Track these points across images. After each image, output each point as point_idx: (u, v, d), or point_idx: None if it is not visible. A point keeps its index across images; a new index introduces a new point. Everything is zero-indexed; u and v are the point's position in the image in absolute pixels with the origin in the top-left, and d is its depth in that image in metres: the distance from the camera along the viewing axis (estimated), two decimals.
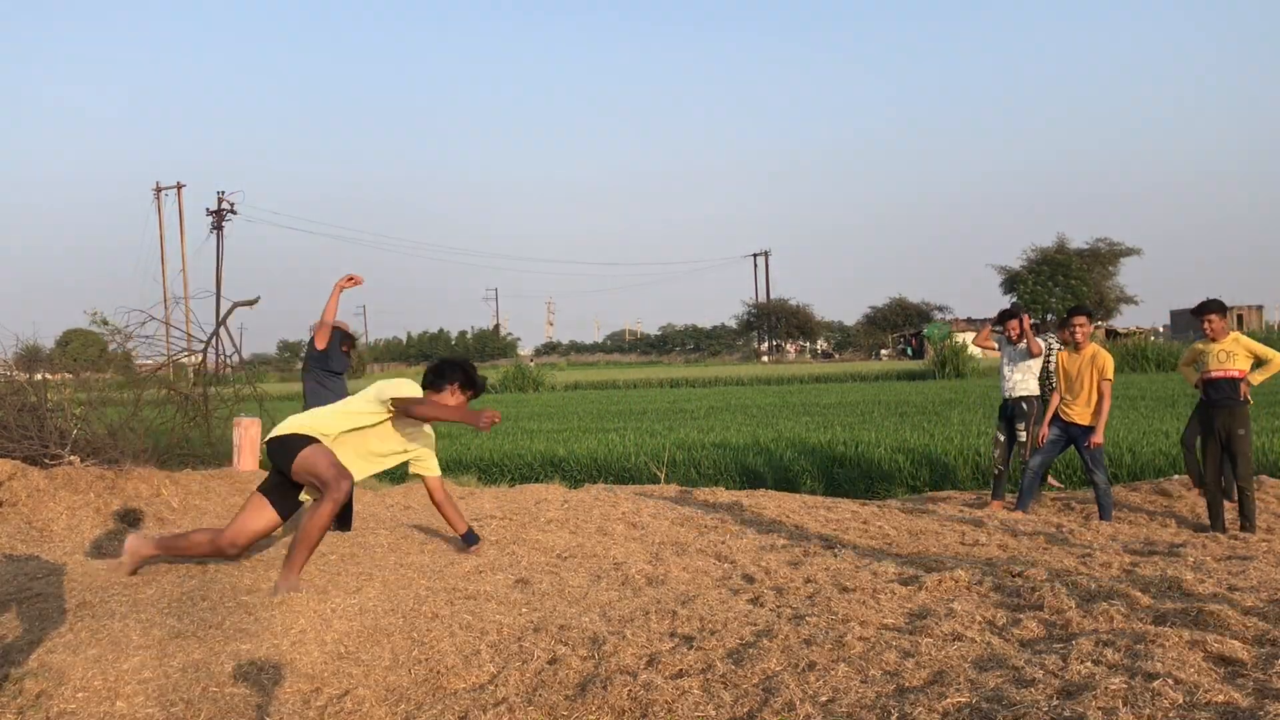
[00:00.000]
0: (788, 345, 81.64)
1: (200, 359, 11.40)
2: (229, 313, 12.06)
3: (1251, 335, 36.26)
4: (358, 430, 4.78)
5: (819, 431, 14.11)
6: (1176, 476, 8.70)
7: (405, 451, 5.02)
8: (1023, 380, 7.99)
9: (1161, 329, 63.32)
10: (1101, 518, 6.99)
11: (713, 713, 3.01)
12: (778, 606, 4.30)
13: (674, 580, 4.95)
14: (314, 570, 5.10)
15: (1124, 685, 2.87)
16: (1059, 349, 7.87)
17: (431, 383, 5.07)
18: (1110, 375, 7.10)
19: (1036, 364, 8.04)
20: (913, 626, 3.80)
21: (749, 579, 4.93)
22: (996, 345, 8.47)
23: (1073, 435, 7.22)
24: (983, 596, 4.33)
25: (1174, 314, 63.35)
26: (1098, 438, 7.03)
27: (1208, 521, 6.73)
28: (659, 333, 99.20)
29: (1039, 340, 8.11)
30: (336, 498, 4.47)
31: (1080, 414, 7.14)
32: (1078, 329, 7.21)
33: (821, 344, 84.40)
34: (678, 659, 3.51)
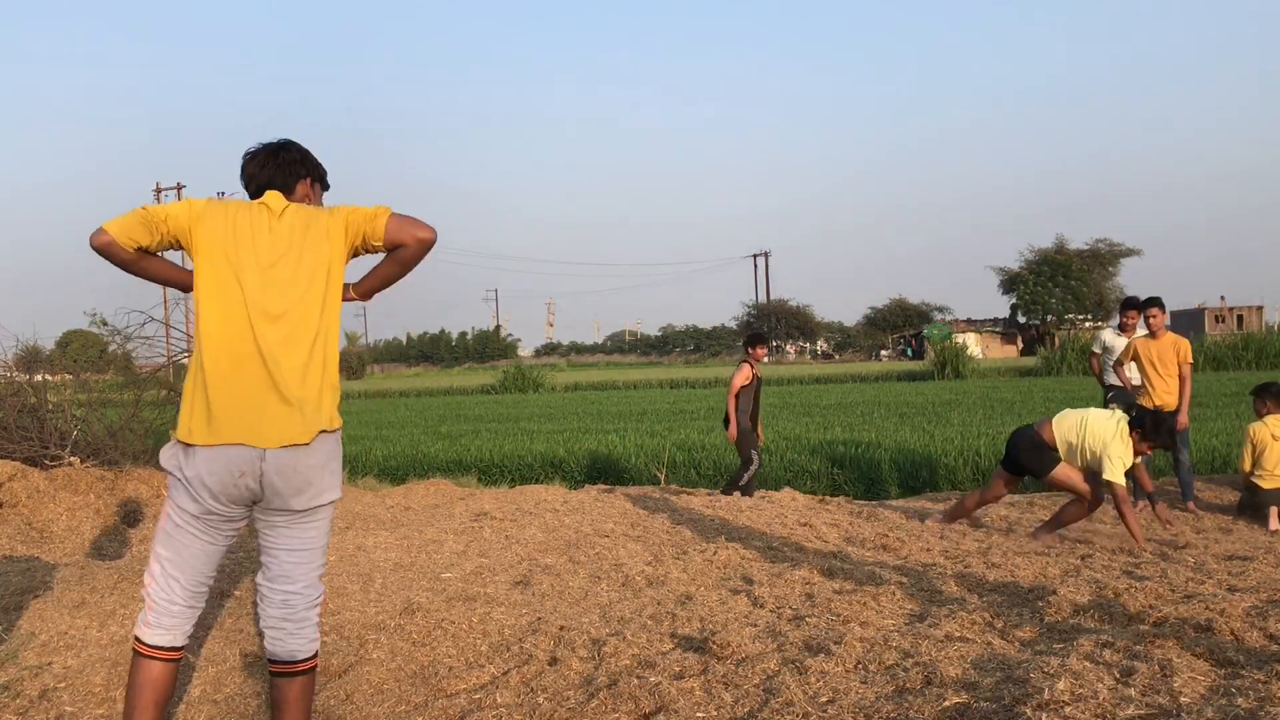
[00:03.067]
0: (788, 346, 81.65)
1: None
2: None
3: (1250, 335, 36.18)
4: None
5: (819, 432, 14.11)
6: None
7: None
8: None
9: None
10: (1185, 497, 7.36)
11: (714, 713, 3.01)
12: (778, 607, 4.30)
13: (674, 581, 4.94)
14: None
15: (1124, 686, 2.87)
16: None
17: None
18: (1191, 359, 7.39)
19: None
20: (913, 627, 3.79)
21: (749, 580, 4.93)
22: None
23: None
24: (983, 597, 4.33)
25: (1174, 314, 63.40)
26: (1184, 418, 7.30)
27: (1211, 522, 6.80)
28: (659, 333, 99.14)
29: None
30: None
31: (1169, 400, 7.30)
32: (1152, 319, 7.48)
33: (821, 345, 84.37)
34: (678, 659, 3.51)
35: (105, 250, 2.62)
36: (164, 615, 2.64)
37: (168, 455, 2.64)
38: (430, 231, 2.76)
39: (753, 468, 8.37)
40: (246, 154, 2.90)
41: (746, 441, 8.31)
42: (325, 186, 2.98)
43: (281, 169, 2.84)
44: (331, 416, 2.68)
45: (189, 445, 2.57)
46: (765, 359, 8.84)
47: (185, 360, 12.89)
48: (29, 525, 6.93)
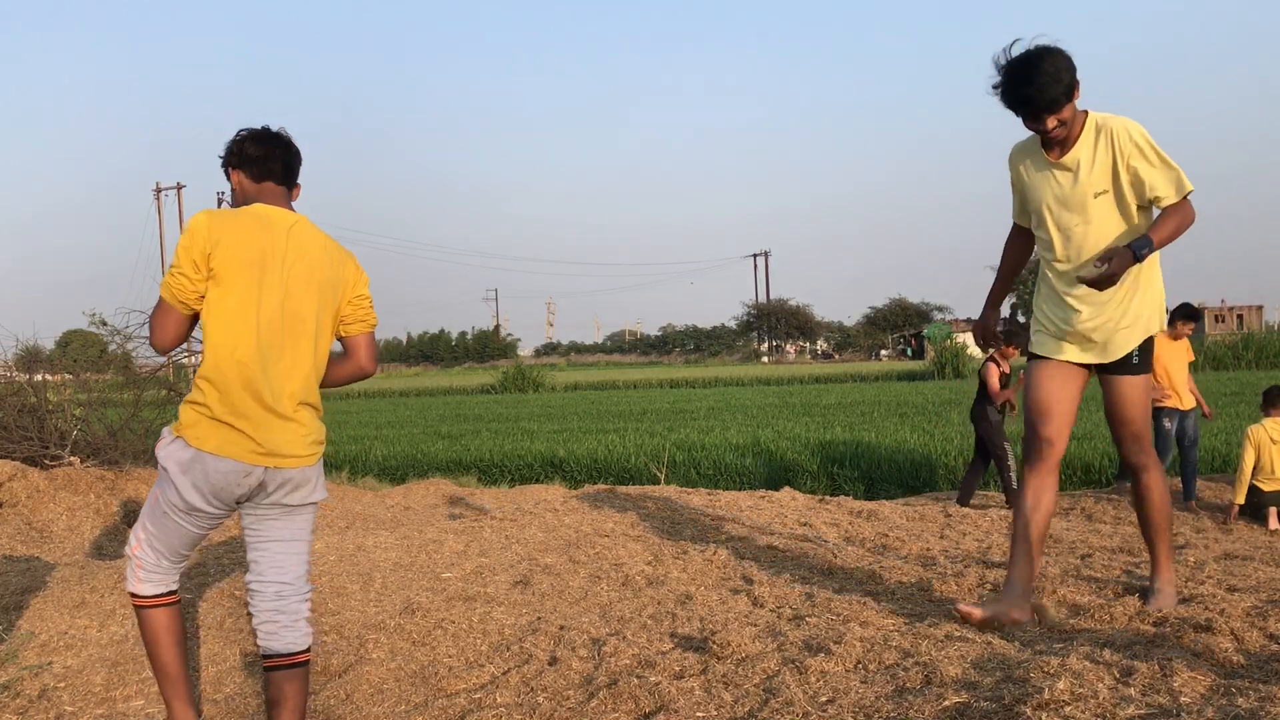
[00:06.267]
0: (788, 346, 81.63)
1: (200, 359, 11.36)
2: None
3: (1250, 335, 36.14)
4: None
5: (819, 432, 14.11)
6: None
7: None
8: None
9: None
10: (1187, 496, 7.53)
11: (714, 712, 3.01)
12: (778, 607, 4.30)
13: (674, 580, 4.94)
14: (314, 572, 5.10)
15: (1124, 686, 2.87)
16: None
17: None
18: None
19: None
20: (913, 627, 3.79)
21: (749, 579, 4.92)
22: None
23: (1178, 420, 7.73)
24: (983, 597, 4.33)
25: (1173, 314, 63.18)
26: (1208, 409, 8.00)
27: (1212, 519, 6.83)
28: (659, 333, 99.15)
29: None
30: None
31: (1188, 399, 7.70)
32: (1189, 329, 7.87)
33: (821, 344, 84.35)
34: (678, 659, 3.51)
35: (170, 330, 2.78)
36: (153, 572, 2.83)
37: (166, 453, 2.70)
38: (372, 367, 2.99)
39: (1010, 461, 7.97)
40: (249, 134, 2.86)
41: (997, 434, 8.04)
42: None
43: (290, 166, 2.87)
44: (322, 436, 2.86)
45: (194, 449, 2.65)
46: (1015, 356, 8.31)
47: (185, 360, 12.91)
48: (29, 525, 6.93)
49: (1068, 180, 3.65)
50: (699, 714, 3.00)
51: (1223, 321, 57.56)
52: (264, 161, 2.83)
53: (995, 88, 3.57)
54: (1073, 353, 3.82)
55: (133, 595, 2.84)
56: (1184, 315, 7.75)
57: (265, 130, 2.88)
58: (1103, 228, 3.64)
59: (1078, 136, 3.62)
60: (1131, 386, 3.81)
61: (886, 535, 6.17)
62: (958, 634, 3.65)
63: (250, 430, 2.64)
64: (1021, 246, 4.06)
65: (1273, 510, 6.69)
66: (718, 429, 15.59)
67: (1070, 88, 3.47)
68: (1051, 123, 3.52)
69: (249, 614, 2.83)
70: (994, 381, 8.00)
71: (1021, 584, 3.79)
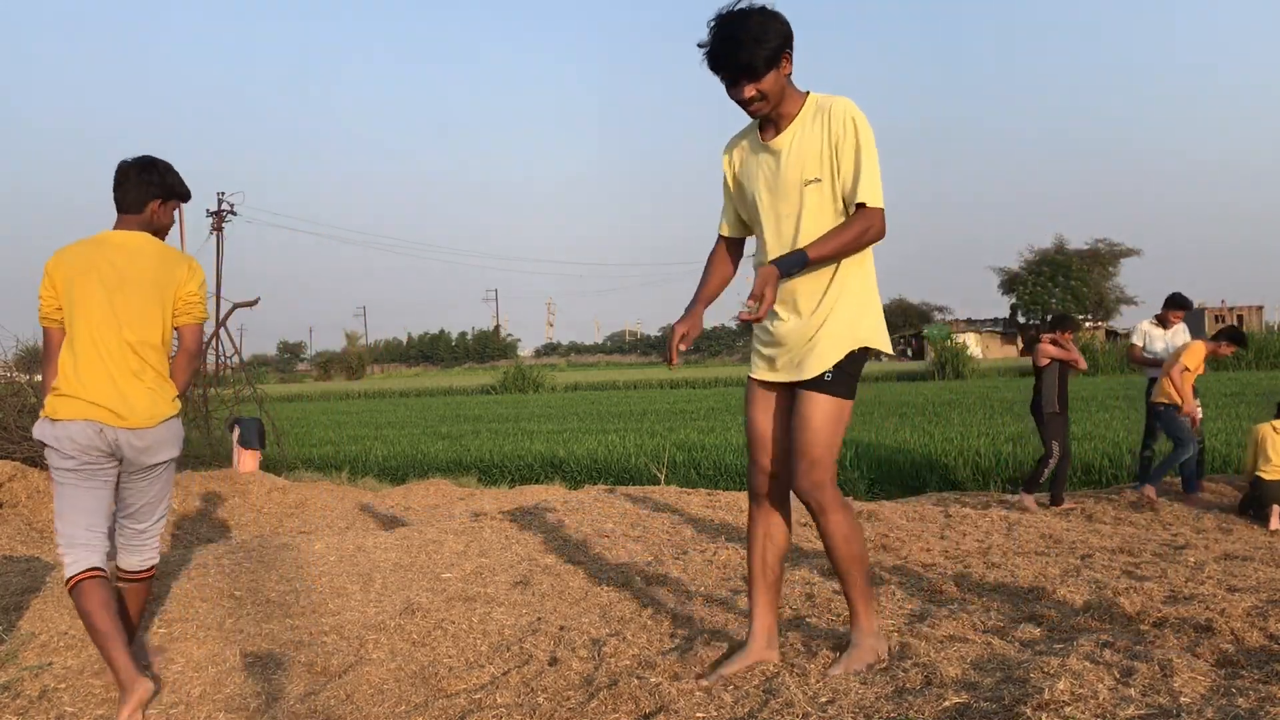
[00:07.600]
0: None
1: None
2: (229, 314, 12.08)
3: (1250, 335, 36.22)
4: None
5: None
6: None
7: None
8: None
9: None
10: (1190, 490, 7.72)
11: (714, 713, 3.01)
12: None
13: (674, 580, 4.94)
14: (314, 572, 5.10)
15: (1124, 686, 2.87)
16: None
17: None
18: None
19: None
20: (912, 628, 3.79)
21: (749, 580, 4.92)
22: (1142, 344, 8.58)
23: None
24: (983, 597, 4.33)
25: None
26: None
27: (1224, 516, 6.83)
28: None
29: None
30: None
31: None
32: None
33: None
34: (678, 659, 3.50)
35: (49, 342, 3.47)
36: (73, 549, 3.31)
37: (41, 431, 3.34)
38: (195, 347, 3.64)
39: (1051, 461, 7.61)
40: (118, 169, 3.51)
41: (1050, 430, 7.67)
42: (183, 198, 3.63)
43: (119, 195, 3.49)
44: (164, 408, 3.42)
45: (56, 420, 3.30)
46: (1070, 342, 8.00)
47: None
48: (29, 525, 6.93)
49: (776, 164, 3.20)
50: (699, 715, 3.00)
51: (1222, 322, 57.63)
52: (116, 195, 3.51)
53: (700, 46, 3.12)
54: (767, 371, 3.34)
55: (66, 581, 3.29)
56: (1229, 337, 7.86)
57: (118, 167, 3.53)
58: (817, 223, 3.15)
59: (794, 116, 3.19)
60: (817, 407, 3.16)
61: (886, 535, 6.17)
62: (957, 634, 3.65)
63: (93, 398, 3.28)
64: (725, 264, 3.45)
65: (1274, 510, 6.70)
66: (718, 429, 15.60)
67: (775, 54, 3.06)
68: (749, 91, 3.08)
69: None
70: (1051, 349, 7.81)
71: (765, 632, 3.46)
